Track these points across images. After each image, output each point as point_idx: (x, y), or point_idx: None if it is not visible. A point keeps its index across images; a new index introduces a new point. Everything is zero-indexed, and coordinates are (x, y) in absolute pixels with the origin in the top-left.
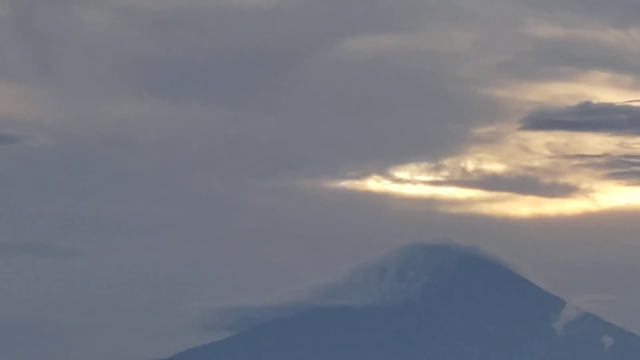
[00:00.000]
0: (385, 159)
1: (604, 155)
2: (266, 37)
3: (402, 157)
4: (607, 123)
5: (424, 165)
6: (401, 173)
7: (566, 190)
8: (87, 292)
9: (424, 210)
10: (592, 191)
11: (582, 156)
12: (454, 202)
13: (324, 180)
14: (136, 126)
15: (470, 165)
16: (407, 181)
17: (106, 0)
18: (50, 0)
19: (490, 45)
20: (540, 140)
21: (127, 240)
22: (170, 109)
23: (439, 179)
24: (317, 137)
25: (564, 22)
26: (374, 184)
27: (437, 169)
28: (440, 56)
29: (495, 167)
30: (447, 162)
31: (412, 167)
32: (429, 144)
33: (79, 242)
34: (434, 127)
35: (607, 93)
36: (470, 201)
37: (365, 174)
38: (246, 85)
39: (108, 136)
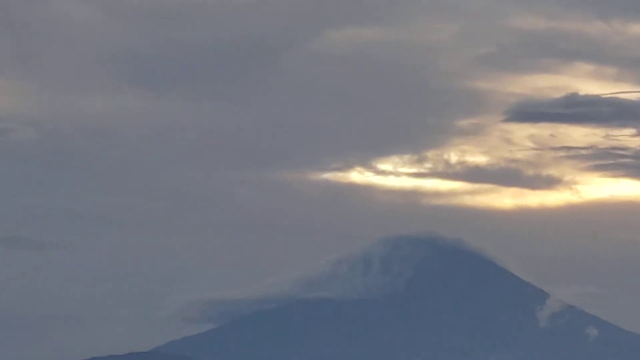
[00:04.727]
0: (368, 151)
1: (590, 147)
2: (248, 29)
3: (385, 149)
4: (592, 115)
5: (407, 157)
6: (384, 165)
7: (549, 182)
8: (67, 285)
9: (407, 202)
10: (576, 183)
11: (568, 148)
12: (437, 194)
13: (307, 172)
14: (118, 119)
15: (453, 157)
16: (390, 173)
17: None
18: None
19: (472, 37)
20: (523, 133)
21: (108, 233)
22: (152, 102)
23: (422, 171)
24: (300, 129)
25: (547, 14)
26: (357, 176)
27: (420, 161)
28: (422, 48)
29: (479, 159)
30: (430, 154)
31: (395, 159)
32: (412, 136)
33: (60, 235)
34: (416, 119)
35: (591, 85)
36: (453, 193)
37: (348, 166)
38: (228, 78)
39: (90, 129)
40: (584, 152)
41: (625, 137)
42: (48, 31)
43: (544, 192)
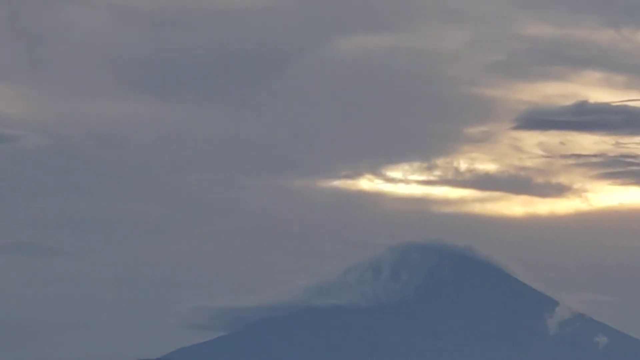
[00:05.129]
0: (378, 159)
1: (600, 155)
2: (258, 36)
3: (394, 156)
4: (602, 123)
5: (416, 164)
6: (394, 172)
7: (559, 190)
8: (76, 292)
9: (417, 209)
10: (585, 191)
11: (578, 156)
12: (447, 201)
13: (316, 179)
14: (128, 126)
15: (463, 164)
16: (400, 181)
17: None
18: (42, 0)
19: (482, 45)
20: (533, 140)
21: (118, 239)
22: (162, 108)
23: (432, 178)
24: (310, 136)
25: (557, 22)
26: (367, 183)
27: (430, 168)
28: (432, 56)
29: (488, 166)
30: (439, 161)
31: (405, 166)
32: (422, 143)
33: (68, 241)
34: (426, 127)
35: (600, 93)
36: (463, 201)
37: (358, 174)
38: (238, 84)
39: (100, 136)
40: (593, 160)
41: (635, 145)
42: (58, 38)
43: (553, 200)
